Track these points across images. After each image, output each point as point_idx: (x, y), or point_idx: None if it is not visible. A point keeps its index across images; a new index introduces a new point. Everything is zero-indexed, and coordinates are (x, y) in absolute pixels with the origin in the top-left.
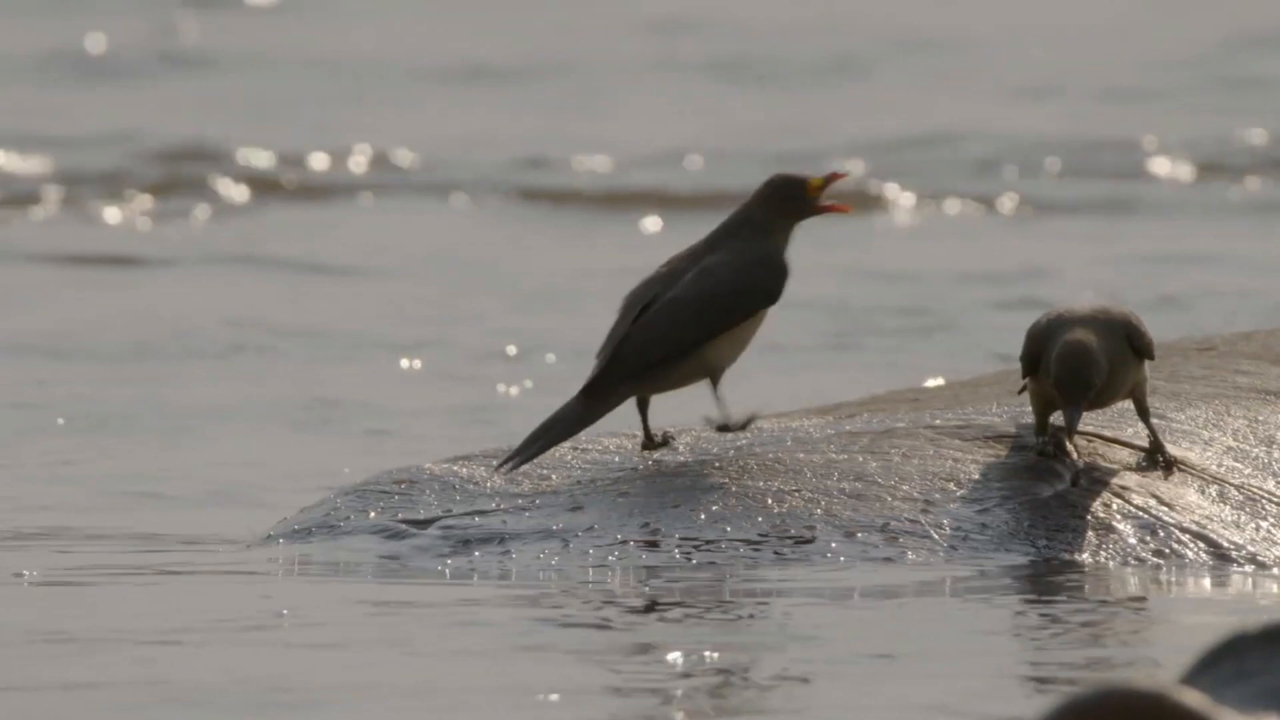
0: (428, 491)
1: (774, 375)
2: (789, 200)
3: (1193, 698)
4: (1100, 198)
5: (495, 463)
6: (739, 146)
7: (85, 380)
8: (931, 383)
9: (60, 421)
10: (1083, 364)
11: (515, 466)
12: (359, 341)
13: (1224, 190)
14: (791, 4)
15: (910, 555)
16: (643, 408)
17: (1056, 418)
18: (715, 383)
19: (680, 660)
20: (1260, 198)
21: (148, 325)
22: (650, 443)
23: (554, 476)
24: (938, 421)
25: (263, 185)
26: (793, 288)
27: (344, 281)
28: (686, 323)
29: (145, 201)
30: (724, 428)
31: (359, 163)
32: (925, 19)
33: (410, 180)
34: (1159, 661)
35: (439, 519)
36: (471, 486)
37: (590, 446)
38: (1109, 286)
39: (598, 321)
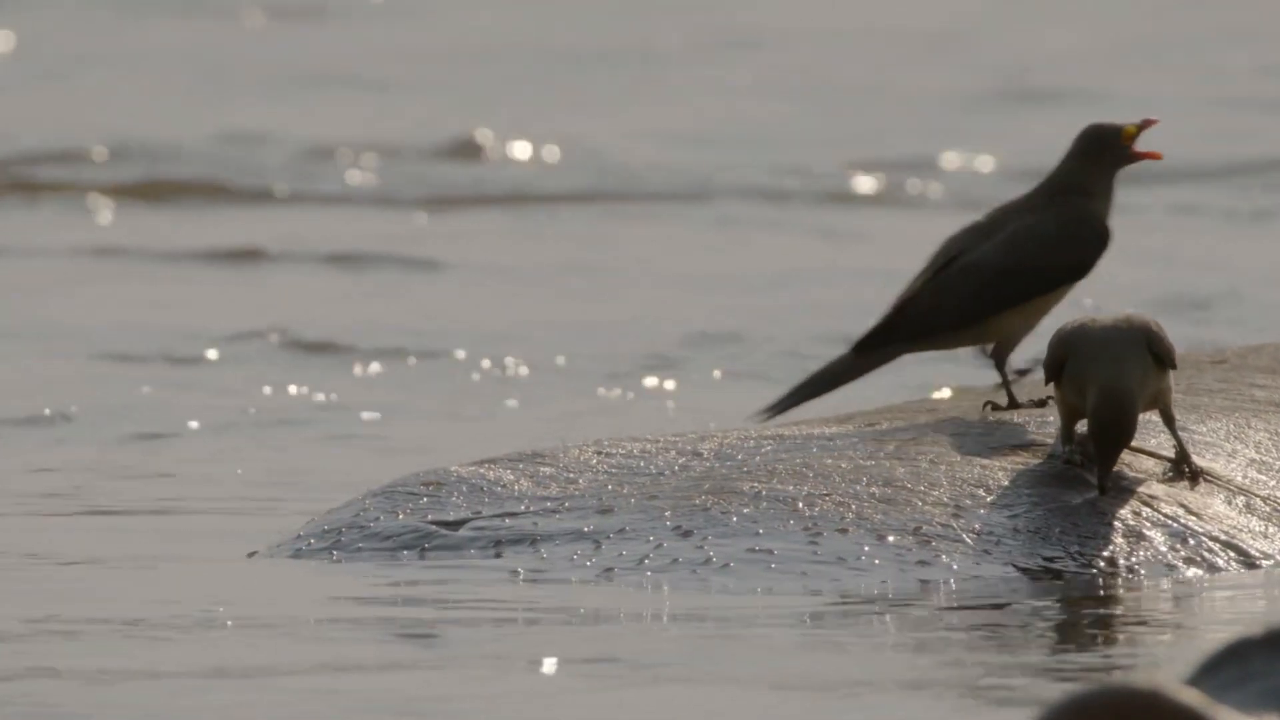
0: (455, 494)
1: (779, 382)
2: (1105, 150)
3: (1189, 695)
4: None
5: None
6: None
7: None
8: (938, 395)
9: (81, 420)
10: (1120, 417)
11: (775, 414)
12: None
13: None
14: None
15: (944, 558)
16: (1000, 366)
17: (1082, 425)
18: (1002, 356)
19: None
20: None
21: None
22: (1015, 404)
23: (581, 479)
24: (962, 429)
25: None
26: (790, 291)
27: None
28: (976, 294)
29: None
30: (1008, 406)
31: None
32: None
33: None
34: (1187, 666)
35: (469, 520)
36: (499, 489)
37: (615, 451)
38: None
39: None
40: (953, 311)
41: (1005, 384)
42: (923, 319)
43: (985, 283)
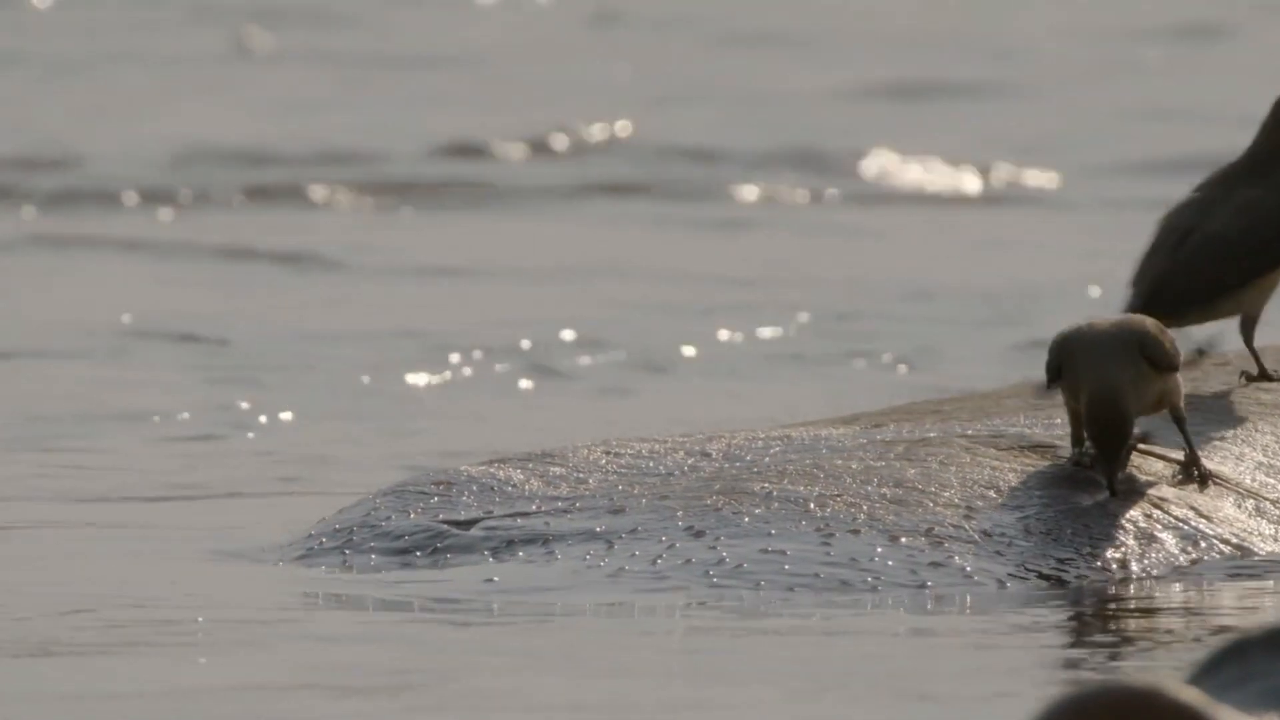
0: (466, 493)
1: (778, 383)
2: None
3: (1187, 693)
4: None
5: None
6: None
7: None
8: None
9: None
10: (1107, 420)
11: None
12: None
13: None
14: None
15: (956, 559)
16: (1248, 339)
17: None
18: (1250, 329)
19: None
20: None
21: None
22: (1265, 375)
23: (591, 479)
24: (970, 431)
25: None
26: (792, 290)
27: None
28: (1230, 262)
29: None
30: (1259, 375)
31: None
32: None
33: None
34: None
35: (481, 520)
36: (510, 489)
37: (624, 451)
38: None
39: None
40: (1207, 287)
41: (1254, 354)
42: (1179, 296)
43: (1237, 251)
